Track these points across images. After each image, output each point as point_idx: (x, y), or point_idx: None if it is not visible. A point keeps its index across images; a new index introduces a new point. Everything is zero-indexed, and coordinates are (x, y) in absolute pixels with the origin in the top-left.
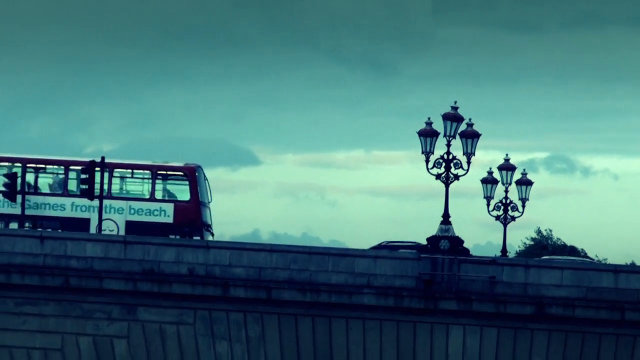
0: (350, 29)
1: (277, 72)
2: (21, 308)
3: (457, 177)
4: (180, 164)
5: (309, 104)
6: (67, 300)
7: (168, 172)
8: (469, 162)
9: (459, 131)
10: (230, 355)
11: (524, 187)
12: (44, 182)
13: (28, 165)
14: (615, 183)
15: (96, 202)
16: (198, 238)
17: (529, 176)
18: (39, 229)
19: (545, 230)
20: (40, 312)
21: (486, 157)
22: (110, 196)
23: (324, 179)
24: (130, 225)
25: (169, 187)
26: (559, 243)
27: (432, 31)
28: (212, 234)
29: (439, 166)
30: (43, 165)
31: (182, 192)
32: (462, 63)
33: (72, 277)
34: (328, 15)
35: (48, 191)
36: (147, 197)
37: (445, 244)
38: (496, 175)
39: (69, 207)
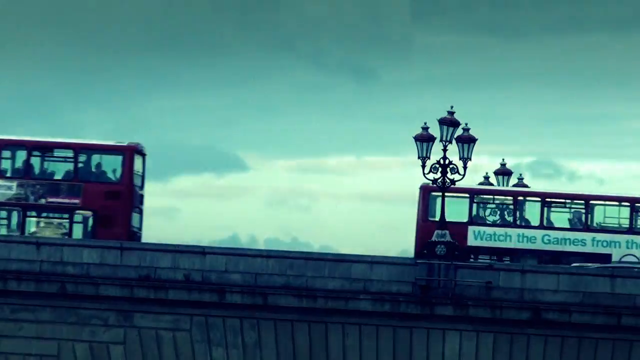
0: (329, 35)
1: (261, 78)
2: (17, 314)
3: (453, 182)
4: None
5: (296, 109)
6: (64, 306)
7: None
8: (465, 167)
9: (455, 136)
10: None
11: None
12: (563, 217)
13: (547, 199)
14: (601, 187)
15: (617, 237)
16: None
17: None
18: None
19: None
20: (36, 319)
21: (475, 162)
22: (632, 231)
23: (315, 185)
24: None
25: None
26: None
27: (412, 37)
28: None
29: (435, 171)
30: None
31: None
32: (444, 69)
33: (69, 284)
34: (306, 21)
35: (568, 226)
36: None
37: (442, 249)
38: (492, 180)
39: (590, 242)
